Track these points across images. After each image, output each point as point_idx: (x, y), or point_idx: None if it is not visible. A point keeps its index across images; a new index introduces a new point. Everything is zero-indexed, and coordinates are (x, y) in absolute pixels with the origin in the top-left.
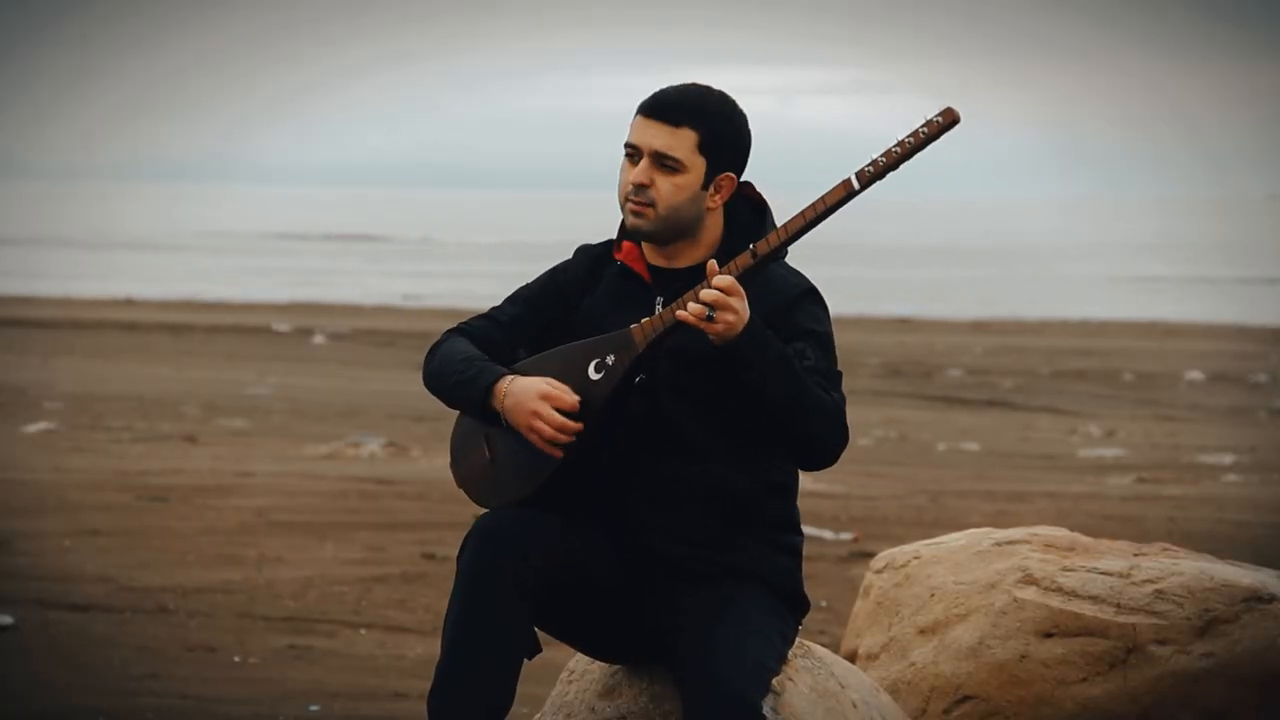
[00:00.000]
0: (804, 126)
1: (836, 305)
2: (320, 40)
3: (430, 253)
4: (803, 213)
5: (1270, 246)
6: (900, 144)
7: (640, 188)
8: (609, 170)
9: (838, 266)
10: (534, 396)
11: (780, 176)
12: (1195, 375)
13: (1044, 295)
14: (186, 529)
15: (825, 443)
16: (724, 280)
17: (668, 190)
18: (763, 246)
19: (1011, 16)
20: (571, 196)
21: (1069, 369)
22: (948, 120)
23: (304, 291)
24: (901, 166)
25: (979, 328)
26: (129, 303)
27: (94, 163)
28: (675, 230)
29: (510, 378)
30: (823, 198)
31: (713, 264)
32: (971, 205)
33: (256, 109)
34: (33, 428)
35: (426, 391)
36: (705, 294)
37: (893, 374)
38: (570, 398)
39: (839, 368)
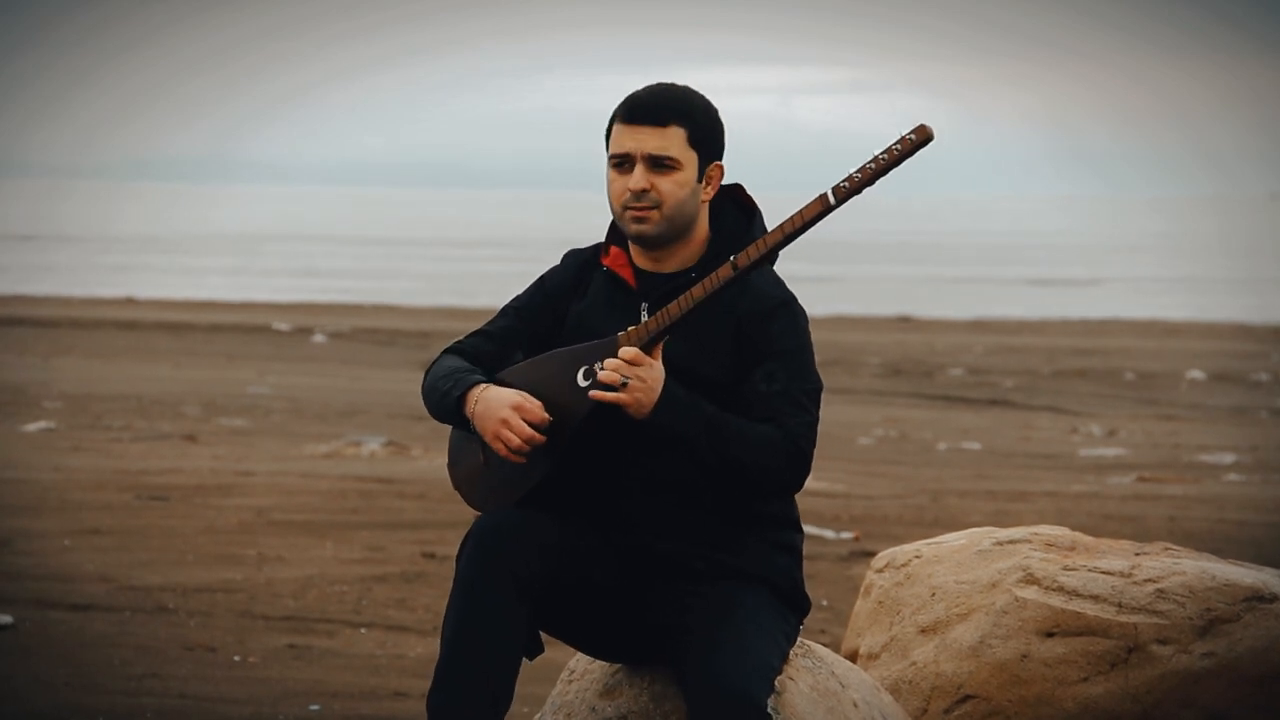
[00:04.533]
0: (802, 126)
1: (837, 304)
2: (320, 40)
3: (430, 251)
4: (781, 226)
5: (1270, 246)
6: (875, 160)
7: (641, 193)
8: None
9: (838, 265)
10: (504, 406)
11: (778, 176)
12: (1196, 374)
13: (1043, 294)
14: (186, 528)
15: (774, 483)
16: (629, 352)
17: (670, 188)
18: (742, 259)
19: (1011, 16)
20: (572, 195)
21: (1070, 368)
22: (921, 138)
23: (304, 291)
24: (877, 182)
25: (979, 327)
26: (129, 302)
27: (94, 161)
28: (678, 229)
29: (483, 386)
30: (800, 212)
31: (622, 335)
32: (971, 204)
33: (256, 109)
34: (32, 427)
35: None
36: (610, 363)
37: (893, 373)
38: (542, 413)
39: (816, 381)
